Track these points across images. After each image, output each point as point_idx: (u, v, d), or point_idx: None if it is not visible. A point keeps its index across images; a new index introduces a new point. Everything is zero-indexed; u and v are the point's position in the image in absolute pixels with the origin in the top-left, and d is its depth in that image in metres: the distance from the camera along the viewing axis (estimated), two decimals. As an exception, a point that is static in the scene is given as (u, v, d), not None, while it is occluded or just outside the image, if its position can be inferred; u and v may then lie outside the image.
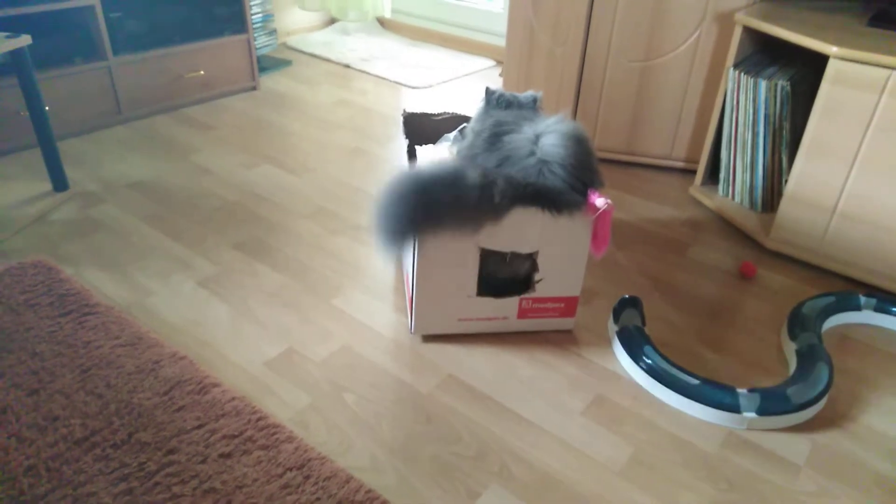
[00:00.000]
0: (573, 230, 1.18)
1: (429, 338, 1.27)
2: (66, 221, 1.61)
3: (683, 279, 1.49)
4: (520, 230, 1.16)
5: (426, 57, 2.95)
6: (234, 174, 1.87)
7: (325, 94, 2.50)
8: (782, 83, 1.53)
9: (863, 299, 1.36)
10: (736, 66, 1.62)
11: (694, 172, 1.88)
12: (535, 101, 1.31)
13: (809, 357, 1.19)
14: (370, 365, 1.20)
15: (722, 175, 1.74)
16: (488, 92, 1.31)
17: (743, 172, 1.67)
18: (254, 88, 2.51)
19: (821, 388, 1.12)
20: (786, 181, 1.50)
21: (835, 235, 1.46)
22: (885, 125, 1.32)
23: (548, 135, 1.15)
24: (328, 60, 2.89)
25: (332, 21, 3.37)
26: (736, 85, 1.61)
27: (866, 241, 1.43)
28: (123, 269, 1.44)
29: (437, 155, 1.46)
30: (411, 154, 1.48)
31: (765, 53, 1.70)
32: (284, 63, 2.79)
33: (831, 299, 1.36)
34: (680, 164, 1.94)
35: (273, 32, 2.80)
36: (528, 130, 1.17)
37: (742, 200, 1.71)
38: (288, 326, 1.28)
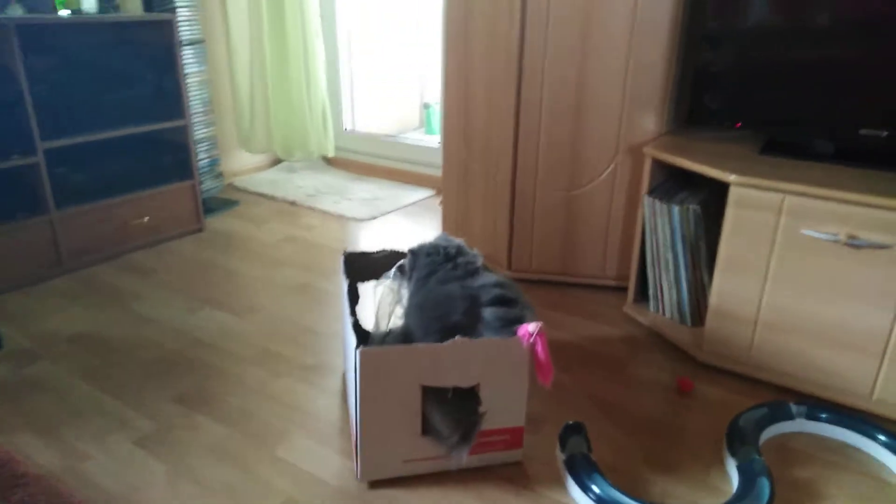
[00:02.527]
0: (511, 359, 1.21)
1: (376, 483, 1.25)
2: (-2, 384, 1.56)
3: (625, 397, 1.52)
4: (459, 364, 1.19)
5: (370, 190, 3.08)
6: (176, 320, 1.87)
7: (271, 232, 2.56)
8: (693, 207, 1.67)
9: (794, 408, 1.41)
10: (650, 192, 1.76)
11: (626, 289, 1.97)
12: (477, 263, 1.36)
13: (749, 472, 1.21)
14: (316, 518, 1.16)
15: (651, 292, 1.83)
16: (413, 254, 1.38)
17: (669, 289, 1.77)
18: (200, 230, 2.55)
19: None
20: (709, 296, 1.59)
21: (761, 346, 1.54)
22: (788, 242, 1.44)
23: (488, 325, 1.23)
24: (274, 198, 2.98)
25: (279, 161, 3.52)
26: (652, 210, 1.74)
27: (790, 349, 1.50)
28: (57, 433, 1.39)
29: (378, 291, 1.51)
30: (352, 292, 1.52)
31: (676, 179, 1.86)
32: (231, 203, 2.87)
33: (765, 411, 1.40)
34: (612, 283, 2.04)
35: (219, 175, 2.90)
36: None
37: (672, 316, 1.79)
38: (229, 484, 1.24)
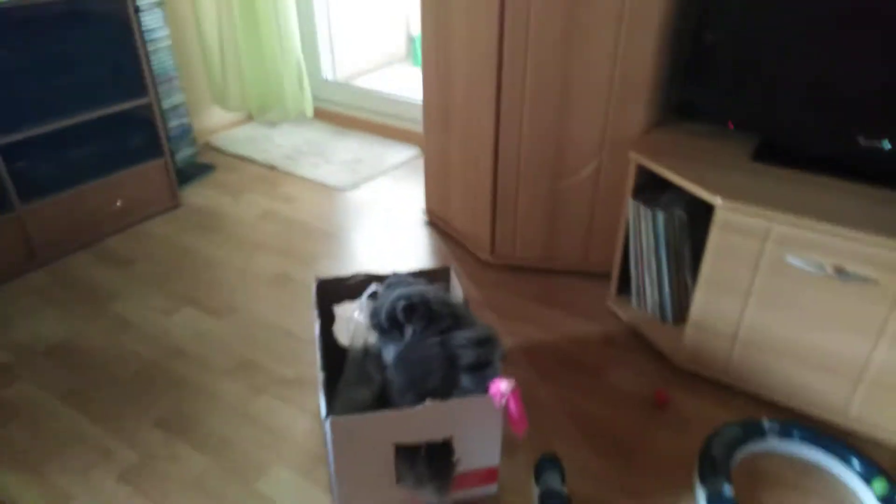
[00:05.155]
0: (483, 414, 1.21)
1: (354, 524, 1.28)
2: (-22, 409, 1.56)
3: (602, 411, 1.53)
4: (432, 422, 1.18)
5: (352, 149, 2.97)
6: (154, 324, 1.85)
7: (248, 207, 2.49)
8: (679, 212, 1.61)
9: (767, 425, 1.42)
10: (635, 195, 1.68)
11: (608, 275, 1.93)
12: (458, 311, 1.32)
13: (717, 511, 1.24)
14: (295, 568, 1.20)
15: (633, 289, 1.81)
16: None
17: (651, 288, 1.74)
18: (175, 207, 2.48)
19: (728, 548, 1.18)
20: (692, 297, 1.56)
21: (739, 360, 1.54)
22: (772, 268, 1.40)
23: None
24: (252, 161, 2.87)
25: (256, 111, 3.36)
26: (637, 214, 1.67)
27: (768, 366, 1.50)
28: (38, 469, 1.40)
29: (353, 315, 1.47)
30: (324, 320, 1.49)
31: (662, 179, 1.77)
32: (207, 169, 2.77)
33: (737, 431, 1.41)
34: (594, 269, 2.00)
35: (193, 142, 2.78)
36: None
37: (654, 313, 1.77)
38: (210, 529, 1.28)
